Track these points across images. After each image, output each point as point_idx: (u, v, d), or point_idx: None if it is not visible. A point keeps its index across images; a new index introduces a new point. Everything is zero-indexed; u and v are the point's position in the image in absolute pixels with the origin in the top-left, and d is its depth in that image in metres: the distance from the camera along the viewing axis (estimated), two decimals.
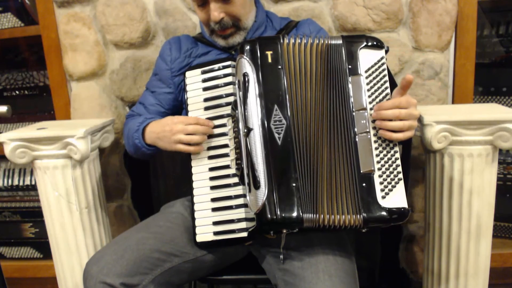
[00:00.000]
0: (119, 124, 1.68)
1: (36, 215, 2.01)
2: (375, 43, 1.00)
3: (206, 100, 1.09)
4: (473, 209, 1.27)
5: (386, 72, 0.99)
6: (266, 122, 0.95)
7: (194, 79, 1.12)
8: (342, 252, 1.05)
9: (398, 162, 0.96)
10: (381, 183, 0.95)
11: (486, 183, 1.26)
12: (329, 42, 1.00)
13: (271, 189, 0.92)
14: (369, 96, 0.97)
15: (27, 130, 1.37)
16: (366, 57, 0.99)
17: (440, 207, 1.32)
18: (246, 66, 0.97)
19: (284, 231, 0.94)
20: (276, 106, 0.96)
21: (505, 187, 1.81)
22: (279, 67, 0.97)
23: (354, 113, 0.97)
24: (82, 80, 1.68)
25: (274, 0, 1.56)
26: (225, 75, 1.07)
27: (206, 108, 1.09)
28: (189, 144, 1.07)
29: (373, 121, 0.96)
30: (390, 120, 0.94)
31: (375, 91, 0.98)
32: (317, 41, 1.00)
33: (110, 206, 1.75)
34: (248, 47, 0.98)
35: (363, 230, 0.96)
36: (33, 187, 1.99)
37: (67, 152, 1.35)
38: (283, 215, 0.91)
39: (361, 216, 0.93)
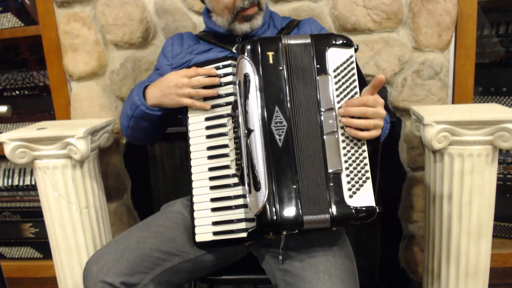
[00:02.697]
0: (119, 124, 1.67)
1: (36, 215, 2.01)
2: (344, 41, 0.99)
3: (205, 99, 1.09)
4: (473, 209, 1.27)
5: (355, 71, 0.98)
6: (267, 124, 0.95)
7: None
8: (342, 252, 1.05)
9: (366, 161, 0.96)
10: (348, 182, 0.94)
11: (486, 183, 1.26)
12: (298, 41, 0.99)
13: (271, 190, 0.92)
14: (337, 96, 0.97)
15: (27, 130, 1.37)
16: (335, 56, 0.98)
17: (440, 207, 1.32)
18: (247, 66, 0.97)
19: (284, 232, 0.95)
20: (277, 108, 0.96)
21: (505, 187, 1.81)
22: (280, 68, 0.97)
23: (322, 113, 0.96)
24: (82, 80, 1.68)
25: (274, 0, 1.56)
26: (225, 75, 1.07)
27: None
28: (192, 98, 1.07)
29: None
30: (359, 118, 0.94)
31: (344, 90, 0.97)
32: (287, 41, 0.99)
33: (110, 206, 1.75)
34: (249, 47, 0.98)
35: (334, 229, 0.97)
36: (33, 187, 1.99)
37: (67, 152, 1.35)
38: (283, 216, 0.91)
39: (328, 215, 0.93)
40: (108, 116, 1.67)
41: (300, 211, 0.92)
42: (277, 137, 0.94)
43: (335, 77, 0.97)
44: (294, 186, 0.93)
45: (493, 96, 1.77)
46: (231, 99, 1.06)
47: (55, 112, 1.76)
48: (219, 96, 1.07)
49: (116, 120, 1.66)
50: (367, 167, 0.95)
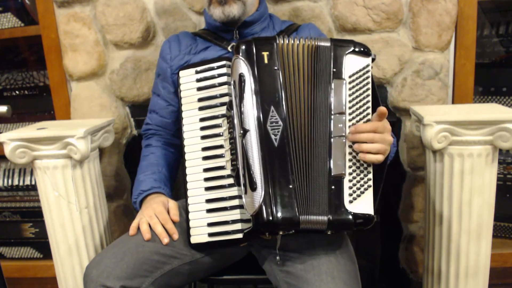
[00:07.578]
0: (119, 124, 1.68)
1: (36, 215, 2.01)
2: (362, 49, 1.00)
3: (200, 100, 1.08)
4: (473, 209, 1.27)
5: (370, 80, 0.99)
6: (262, 124, 0.94)
7: (188, 78, 1.11)
8: (344, 254, 1.04)
9: (370, 169, 0.96)
10: (350, 187, 0.95)
11: (486, 183, 1.26)
12: (318, 43, 1.00)
13: (267, 190, 0.91)
14: (350, 102, 0.97)
15: (27, 130, 1.37)
16: (352, 63, 0.99)
17: (440, 207, 1.32)
18: (242, 66, 0.97)
19: (281, 232, 0.94)
20: (272, 107, 0.95)
21: (505, 187, 1.81)
22: (275, 68, 0.97)
23: (332, 116, 0.97)
24: (82, 80, 1.68)
25: (274, 0, 1.56)
26: (220, 75, 1.06)
27: (201, 108, 1.08)
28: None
29: (351, 144, 0.97)
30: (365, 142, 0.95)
31: (356, 97, 0.98)
32: (308, 42, 1.00)
33: (110, 206, 1.75)
34: (243, 47, 0.98)
35: (328, 233, 0.97)
36: (33, 187, 1.99)
37: (67, 152, 1.35)
38: (280, 216, 0.90)
39: (327, 217, 0.93)
40: (108, 116, 1.67)
41: (297, 211, 0.91)
42: (272, 137, 0.94)
43: (349, 83, 0.98)
44: (291, 186, 0.92)
45: (493, 96, 1.77)
46: (225, 99, 1.05)
47: (55, 112, 1.76)
48: (213, 97, 1.07)
49: (116, 120, 1.66)
50: (370, 175, 0.96)
